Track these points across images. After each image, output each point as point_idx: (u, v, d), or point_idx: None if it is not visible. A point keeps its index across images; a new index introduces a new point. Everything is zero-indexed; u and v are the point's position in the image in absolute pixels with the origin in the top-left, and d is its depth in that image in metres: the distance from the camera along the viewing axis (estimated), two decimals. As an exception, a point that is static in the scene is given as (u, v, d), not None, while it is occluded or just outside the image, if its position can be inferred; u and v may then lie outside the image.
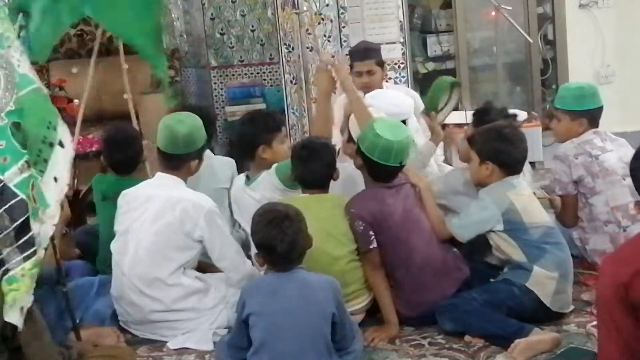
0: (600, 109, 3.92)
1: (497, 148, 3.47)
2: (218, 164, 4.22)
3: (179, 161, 3.57)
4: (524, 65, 6.36)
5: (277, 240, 2.90)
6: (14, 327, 2.78)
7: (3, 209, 2.95)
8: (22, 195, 2.94)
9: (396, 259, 3.44)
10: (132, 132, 4.20)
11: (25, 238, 2.93)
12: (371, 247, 3.43)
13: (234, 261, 3.53)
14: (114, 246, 3.60)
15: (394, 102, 4.13)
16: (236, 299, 3.05)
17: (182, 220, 3.46)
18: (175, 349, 3.45)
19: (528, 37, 5.14)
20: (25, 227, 2.94)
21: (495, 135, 3.51)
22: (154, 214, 3.50)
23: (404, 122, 4.00)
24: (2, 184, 2.94)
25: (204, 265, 3.69)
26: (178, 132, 3.54)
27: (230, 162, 4.35)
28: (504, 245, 3.43)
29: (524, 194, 3.51)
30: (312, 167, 3.49)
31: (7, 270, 2.93)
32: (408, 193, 3.54)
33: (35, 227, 2.96)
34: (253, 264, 3.50)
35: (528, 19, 6.17)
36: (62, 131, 3.20)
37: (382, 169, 3.47)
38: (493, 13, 4.60)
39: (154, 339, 3.54)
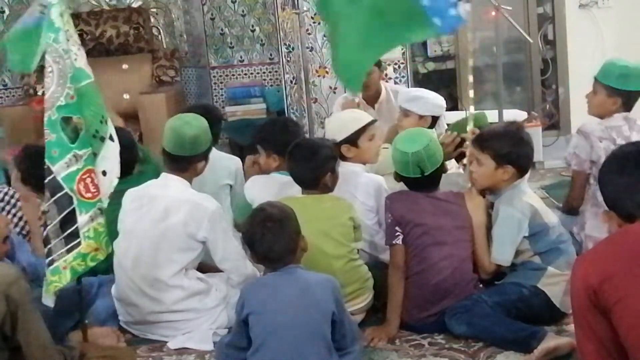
0: (638, 94, 3.89)
1: (516, 151, 3.43)
2: (221, 162, 4.24)
3: (186, 163, 3.57)
4: (524, 65, 6.36)
5: (256, 238, 2.93)
6: (14, 326, 2.80)
7: (53, 199, 3.09)
8: (66, 189, 3.10)
9: (411, 267, 3.40)
10: (126, 137, 4.19)
11: (70, 230, 3.10)
12: (394, 242, 3.41)
13: (236, 263, 3.52)
14: (116, 245, 3.59)
15: (435, 96, 4.31)
16: (237, 299, 3.05)
17: (186, 222, 3.46)
18: (175, 349, 3.44)
19: (528, 37, 5.14)
20: (70, 219, 3.10)
21: (512, 138, 3.46)
22: (158, 214, 3.50)
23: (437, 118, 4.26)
24: (52, 175, 3.07)
25: (204, 266, 3.70)
26: (185, 134, 3.54)
27: (233, 159, 4.36)
28: (521, 248, 3.41)
29: (534, 195, 3.52)
30: (303, 166, 3.49)
31: (52, 261, 3.13)
32: (454, 213, 3.45)
33: (81, 219, 3.10)
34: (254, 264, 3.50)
35: (528, 19, 6.18)
36: (110, 125, 3.28)
37: (407, 180, 3.46)
38: (493, 13, 4.59)
39: (154, 339, 3.54)
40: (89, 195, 3.12)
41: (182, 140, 3.54)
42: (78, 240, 3.09)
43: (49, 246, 3.14)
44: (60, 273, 3.09)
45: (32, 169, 3.96)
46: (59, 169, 3.09)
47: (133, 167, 4.07)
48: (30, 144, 4.28)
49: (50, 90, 3.10)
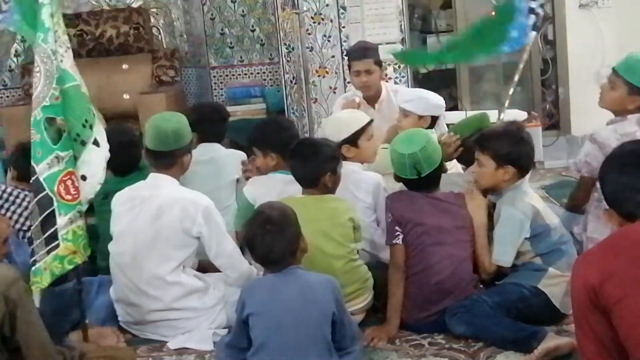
0: None
1: (517, 151, 3.42)
2: (227, 158, 4.26)
3: (172, 157, 3.58)
4: (524, 65, 6.35)
5: (257, 241, 2.93)
6: (13, 327, 2.79)
7: (36, 200, 3.08)
8: (47, 190, 3.09)
9: (411, 266, 3.41)
10: (130, 134, 4.20)
11: (50, 231, 3.09)
12: (394, 242, 3.41)
13: (231, 259, 3.53)
14: (112, 248, 3.60)
15: (434, 96, 4.32)
16: (235, 298, 3.05)
17: (181, 219, 3.47)
18: (175, 349, 3.44)
19: (528, 37, 5.13)
20: (49, 221, 3.09)
21: (513, 138, 3.45)
22: (152, 214, 3.50)
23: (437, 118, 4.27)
24: (36, 175, 3.10)
25: (205, 266, 3.70)
26: (167, 129, 3.56)
27: (239, 153, 4.38)
28: (522, 249, 3.41)
29: (536, 196, 3.50)
30: (303, 164, 3.50)
31: (35, 262, 3.13)
32: (454, 213, 3.45)
33: (61, 221, 3.08)
34: (250, 263, 3.50)
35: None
36: (98, 130, 3.27)
37: (405, 181, 3.47)
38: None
39: (154, 339, 3.54)
40: (69, 197, 3.10)
41: (165, 135, 3.56)
42: (57, 242, 3.08)
43: (32, 247, 3.14)
44: (42, 274, 3.08)
45: (27, 165, 3.96)
46: (42, 169, 3.09)
47: (136, 165, 4.08)
48: (23, 142, 4.28)
49: (37, 90, 3.10)
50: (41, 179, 3.09)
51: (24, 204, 3.94)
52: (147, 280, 3.50)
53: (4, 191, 3.98)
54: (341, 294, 3.01)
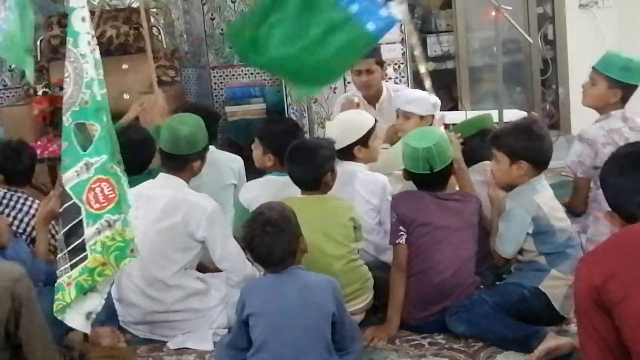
0: (635, 88, 3.86)
1: (529, 146, 3.41)
2: (224, 161, 4.24)
3: (182, 162, 3.58)
4: (524, 65, 6.36)
5: (257, 242, 2.93)
6: (17, 323, 2.79)
7: (61, 210, 2.97)
8: (75, 199, 2.95)
9: (413, 266, 3.41)
10: (142, 134, 4.18)
11: (76, 243, 2.92)
12: (397, 241, 3.42)
13: (235, 263, 3.53)
14: (116, 246, 3.59)
15: (431, 95, 4.23)
16: (236, 299, 3.05)
17: (185, 222, 3.47)
18: (175, 349, 3.45)
19: (528, 37, 5.14)
20: (76, 232, 2.93)
21: (525, 133, 3.44)
22: (157, 214, 3.50)
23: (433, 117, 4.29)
24: (63, 186, 2.96)
25: (204, 266, 3.70)
26: (180, 133, 3.55)
27: (236, 159, 4.36)
28: (526, 247, 3.40)
29: (547, 196, 3.48)
30: (303, 168, 3.49)
31: (56, 278, 2.94)
32: (459, 214, 3.46)
33: (88, 231, 2.91)
34: (253, 265, 3.50)
35: (528, 19, 6.18)
36: None
37: (416, 177, 3.46)
38: (493, 13, 4.60)
39: (154, 339, 3.55)
40: (97, 206, 2.93)
41: (178, 139, 3.55)
42: (84, 254, 2.90)
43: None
44: (64, 290, 2.91)
45: (10, 164, 3.95)
46: (69, 177, 2.96)
47: (147, 166, 4.06)
48: (5, 143, 4.25)
49: (67, 94, 3.01)
50: (67, 188, 2.96)
51: (18, 206, 3.95)
52: (148, 282, 3.50)
53: (3, 197, 3.98)
54: (341, 295, 3.01)
